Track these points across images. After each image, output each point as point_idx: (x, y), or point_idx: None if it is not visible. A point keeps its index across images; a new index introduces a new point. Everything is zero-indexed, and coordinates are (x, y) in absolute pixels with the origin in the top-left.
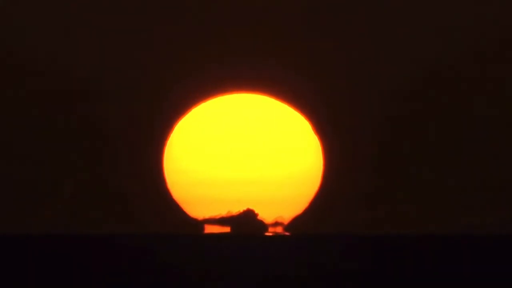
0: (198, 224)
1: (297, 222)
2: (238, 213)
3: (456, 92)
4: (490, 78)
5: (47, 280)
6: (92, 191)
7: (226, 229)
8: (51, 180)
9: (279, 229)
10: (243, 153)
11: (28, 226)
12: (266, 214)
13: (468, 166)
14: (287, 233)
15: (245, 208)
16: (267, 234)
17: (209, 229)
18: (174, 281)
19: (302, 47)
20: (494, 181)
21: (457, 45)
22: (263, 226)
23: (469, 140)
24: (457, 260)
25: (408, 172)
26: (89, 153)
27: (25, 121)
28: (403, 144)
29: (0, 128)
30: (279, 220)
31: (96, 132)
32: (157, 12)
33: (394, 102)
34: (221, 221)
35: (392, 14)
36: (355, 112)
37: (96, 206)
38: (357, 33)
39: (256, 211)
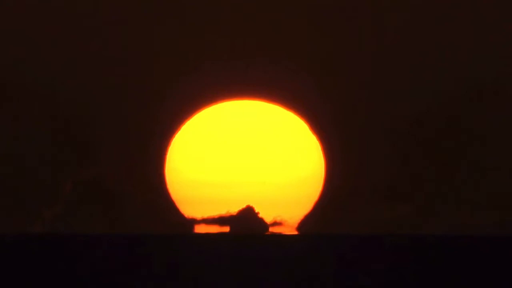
0: (197, 224)
1: (297, 222)
2: (237, 211)
3: (456, 94)
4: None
5: (47, 280)
6: (92, 192)
7: (225, 229)
8: (50, 180)
9: (279, 229)
10: (243, 155)
11: (28, 226)
12: (266, 214)
13: (468, 166)
14: (287, 233)
15: (244, 206)
16: (267, 233)
17: (208, 229)
18: (173, 281)
19: (297, 48)
20: (494, 181)
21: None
22: (263, 224)
23: (469, 140)
24: (457, 260)
25: (409, 172)
26: (90, 153)
27: (25, 121)
28: (404, 144)
29: (1, 129)
30: (278, 220)
31: (97, 133)
32: (160, 13)
33: (393, 101)
34: (220, 220)
35: (390, 15)
36: (353, 111)
37: (96, 207)
38: (354, 33)
39: (256, 210)
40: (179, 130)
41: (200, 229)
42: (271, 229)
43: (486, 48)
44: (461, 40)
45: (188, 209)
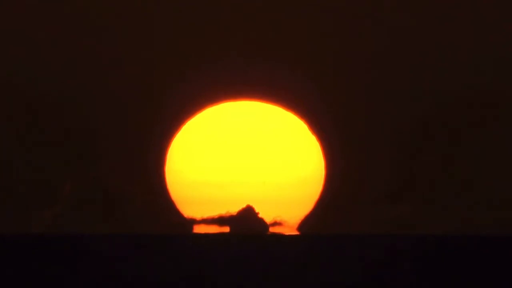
0: (197, 224)
1: (297, 222)
2: (237, 211)
3: (456, 95)
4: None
5: (47, 280)
6: (92, 192)
7: (225, 229)
8: (50, 180)
9: (279, 229)
10: (243, 155)
11: (28, 226)
12: (266, 214)
13: (468, 166)
14: (287, 233)
15: (244, 206)
16: (267, 233)
17: (208, 229)
18: (173, 281)
19: (296, 48)
20: (494, 181)
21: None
22: (263, 224)
23: (468, 140)
24: (457, 260)
25: (409, 172)
26: (90, 153)
27: (24, 121)
28: (404, 144)
29: (1, 130)
30: (278, 220)
31: (97, 133)
32: (160, 14)
33: (393, 101)
34: (220, 220)
35: (390, 15)
36: (353, 111)
37: (96, 207)
38: (354, 34)
39: (256, 210)
40: (179, 130)
41: (200, 229)
42: (271, 229)
43: (486, 49)
44: (461, 41)
45: (188, 209)
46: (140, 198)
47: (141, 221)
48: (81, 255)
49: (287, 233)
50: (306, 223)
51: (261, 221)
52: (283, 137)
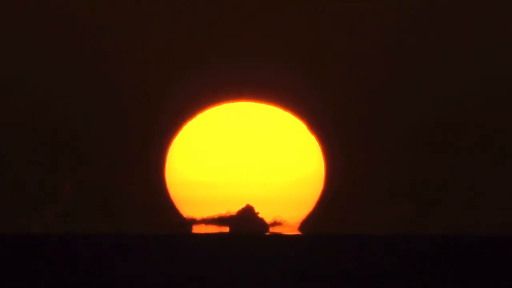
0: (197, 224)
1: (297, 222)
2: (237, 211)
3: (456, 95)
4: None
5: (47, 280)
6: (92, 192)
7: (225, 229)
8: (50, 180)
9: (279, 229)
10: (243, 156)
11: (28, 226)
12: (266, 214)
13: (468, 166)
14: (287, 233)
15: (244, 206)
16: (267, 234)
17: (208, 229)
18: (173, 282)
19: (294, 48)
20: (494, 181)
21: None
22: (263, 224)
23: (469, 140)
24: (457, 260)
25: (409, 172)
26: (90, 153)
27: (24, 121)
28: (404, 144)
29: (1, 130)
30: (278, 220)
31: (97, 133)
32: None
33: (393, 101)
34: (220, 220)
35: (389, 15)
36: (353, 111)
37: (96, 207)
38: (354, 34)
39: (256, 210)
40: (180, 131)
41: (200, 229)
42: (271, 229)
43: (486, 49)
44: (462, 41)
45: (188, 210)
46: (140, 198)
47: (141, 221)
48: (81, 255)
49: (287, 233)
50: (306, 223)
51: (261, 221)
52: (283, 138)
